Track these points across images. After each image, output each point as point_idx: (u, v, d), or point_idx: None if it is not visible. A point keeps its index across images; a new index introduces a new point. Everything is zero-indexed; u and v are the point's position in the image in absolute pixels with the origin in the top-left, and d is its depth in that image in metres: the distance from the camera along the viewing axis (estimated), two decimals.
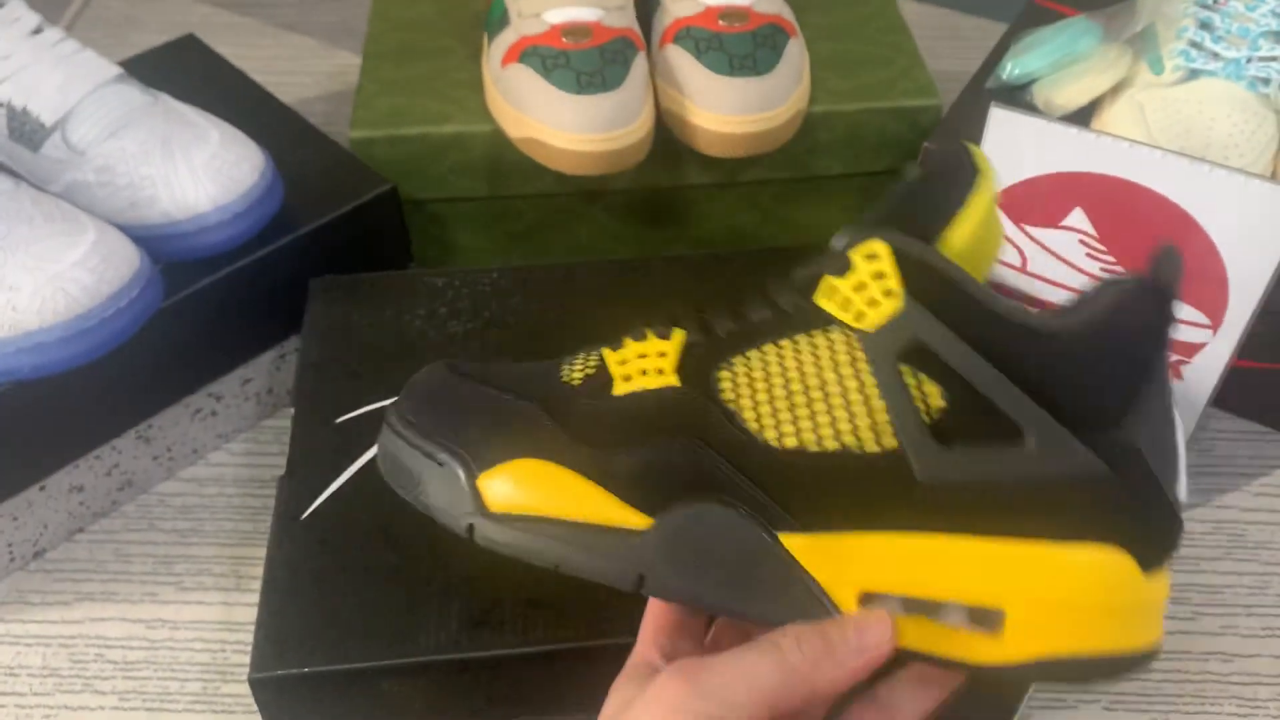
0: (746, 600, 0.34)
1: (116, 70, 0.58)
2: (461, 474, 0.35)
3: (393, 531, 0.47)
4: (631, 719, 0.33)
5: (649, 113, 0.60)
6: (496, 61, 0.63)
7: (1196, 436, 0.59)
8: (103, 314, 0.51)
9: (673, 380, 0.36)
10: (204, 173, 0.55)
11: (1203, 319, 0.52)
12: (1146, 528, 0.34)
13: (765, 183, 0.67)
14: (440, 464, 0.36)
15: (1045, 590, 0.33)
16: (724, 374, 0.35)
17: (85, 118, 0.56)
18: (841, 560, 0.34)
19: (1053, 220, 0.54)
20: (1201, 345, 0.53)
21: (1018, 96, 0.62)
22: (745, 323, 0.36)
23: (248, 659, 0.45)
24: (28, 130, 0.56)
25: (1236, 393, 0.62)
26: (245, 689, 0.53)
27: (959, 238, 0.34)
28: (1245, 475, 0.62)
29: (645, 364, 0.36)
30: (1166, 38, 0.59)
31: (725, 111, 0.59)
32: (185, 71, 0.69)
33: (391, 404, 0.38)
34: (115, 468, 0.59)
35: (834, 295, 0.34)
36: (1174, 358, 0.54)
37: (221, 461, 0.63)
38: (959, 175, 0.35)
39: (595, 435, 0.35)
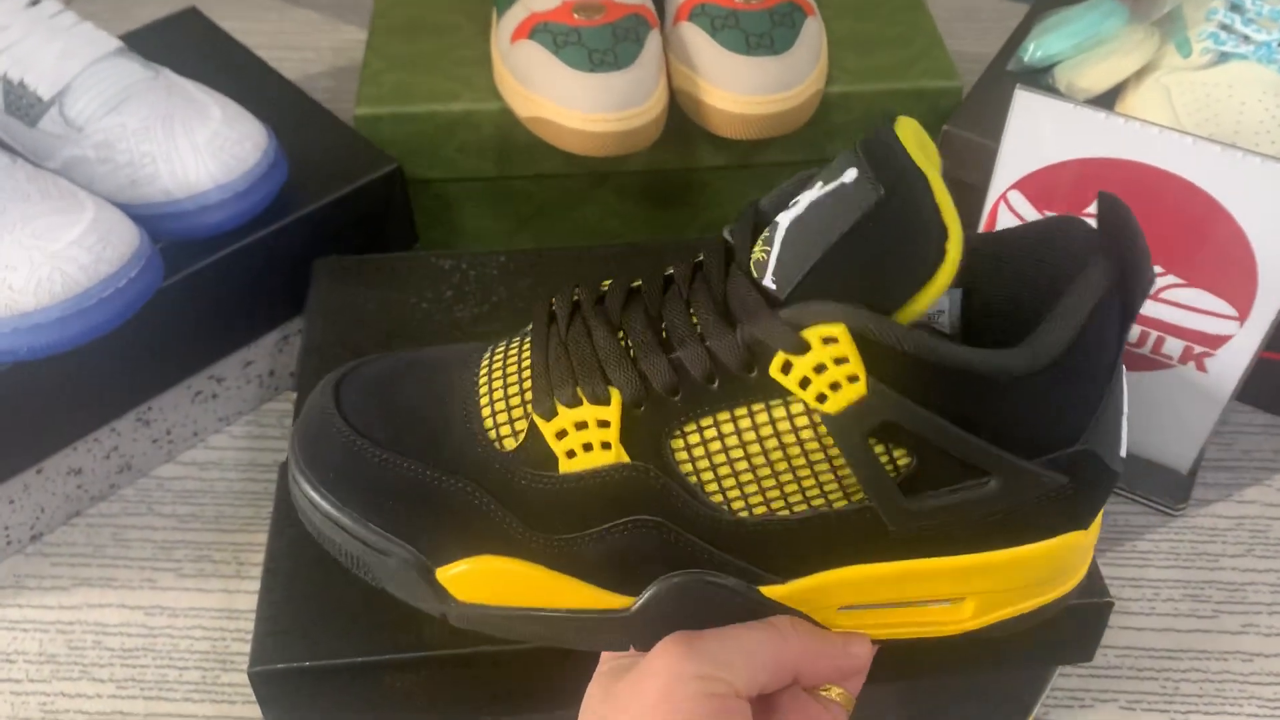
0: None
1: (116, 43, 0.57)
2: (415, 573, 0.34)
3: None
4: (627, 689, 0.33)
5: (662, 92, 0.59)
6: (506, 38, 0.61)
7: (1218, 430, 0.57)
8: (101, 294, 0.49)
9: (622, 455, 0.34)
10: (206, 150, 0.54)
11: (1230, 310, 0.51)
12: (1095, 503, 0.36)
13: (781, 165, 0.65)
14: (387, 555, 0.34)
15: (1007, 580, 0.36)
16: (677, 443, 0.33)
17: (84, 92, 0.55)
18: (821, 593, 0.35)
19: (1076, 207, 0.52)
20: (1228, 337, 0.52)
21: (1040, 79, 0.60)
22: (687, 380, 0.33)
23: (247, 648, 0.44)
24: (24, 104, 0.55)
25: (1261, 386, 0.61)
26: (245, 678, 0.52)
27: (923, 302, 0.31)
28: (1268, 470, 0.60)
29: (587, 436, 0.34)
30: (1195, 20, 0.58)
31: (741, 91, 0.58)
32: (187, 46, 0.68)
33: (293, 460, 0.36)
34: (114, 450, 0.58)
35: (791, 371, 0.32)
36: (1198, 350, 0.53)
37: (222, 445, 0.62)
38: (925, 235, 0.31)
39: (550, 520, 0.34)
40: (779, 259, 0.32)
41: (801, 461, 0.33)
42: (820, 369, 0.31)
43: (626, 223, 0.68)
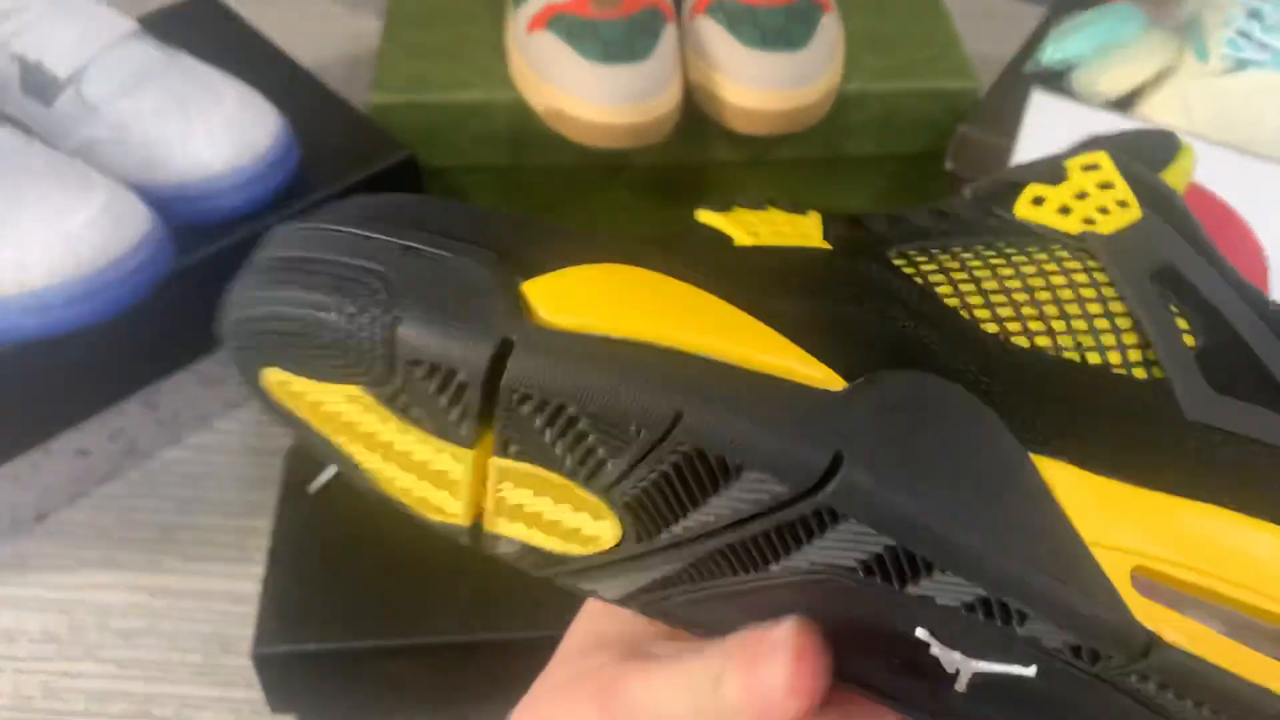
0: (991, 543, 0.22)
1: (133, 25, 0.57)
2: (488, 273, 0.22)
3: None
4: (551, 663, 0.31)
5: (677, 86, 0.59)
6: (521, 28, 0.61)
7: None
8: (112, 275, 0.49)
9: (822, 244, 0.25)
10: (220, 134, 0.54)
11: None
12: None
13: (794, 162, 0.65)
14: (443, 259, 0.22)
15: None
16: (898, 259, 0.26)
17: (100, 73, 0.55)
18: (1109, 510, 0.23)
19: None
20: None
21: (1057, 82, 0.60)
22: (909, 225, 0.27)
23: (249, 631, 0.44)
24: (41, 84, 0.55)
25: None
26: (247, 661, 0.52)
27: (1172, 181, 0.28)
28: None
29: (778, 227, 0.26)
30: (1213, 26, 0.58)
31: (756, 86, 0.57)
32: (202, 30, 0.68)
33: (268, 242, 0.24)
34: (120, 432, 0.58)
35: (1044, 205, 0.27)
36: None
37: (228, 429, 0.62)
38: (1161, 143, 0.30)
39: (715, 279, 0.23)
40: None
41: (1069, 295, 0.25)
42: (1082, 195, 0.27)
43: (637, 216, 0.68)
